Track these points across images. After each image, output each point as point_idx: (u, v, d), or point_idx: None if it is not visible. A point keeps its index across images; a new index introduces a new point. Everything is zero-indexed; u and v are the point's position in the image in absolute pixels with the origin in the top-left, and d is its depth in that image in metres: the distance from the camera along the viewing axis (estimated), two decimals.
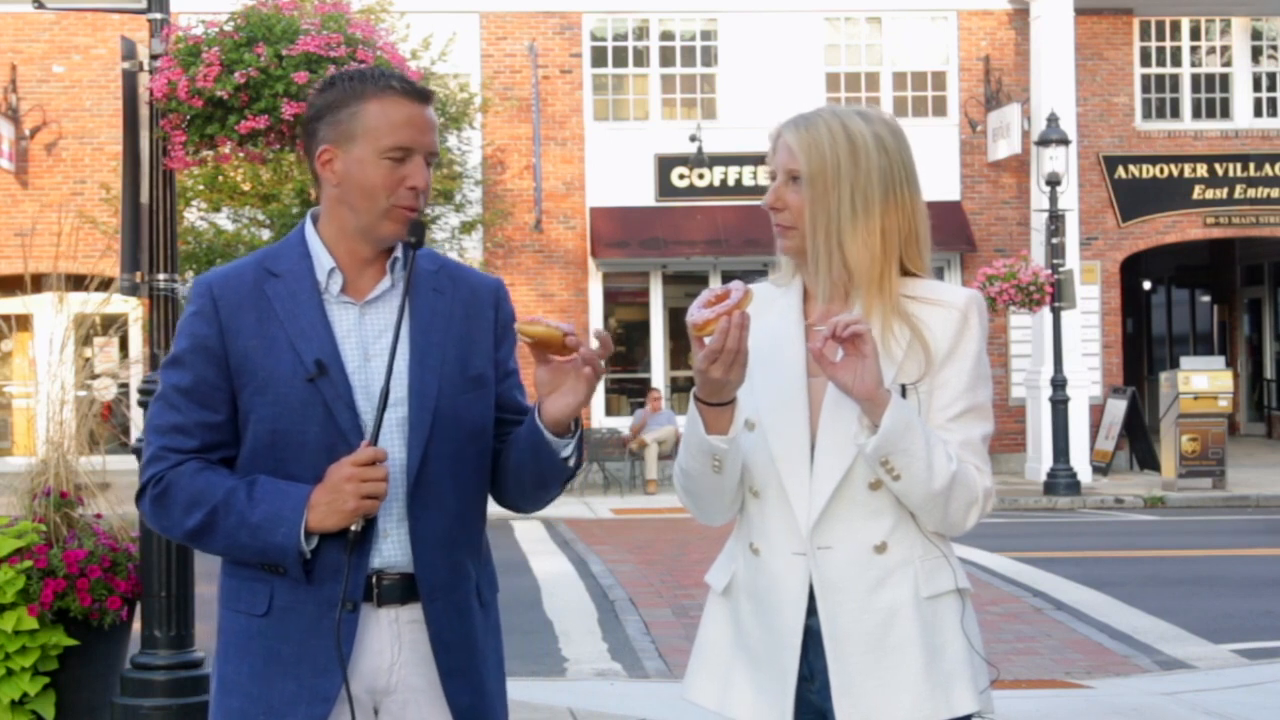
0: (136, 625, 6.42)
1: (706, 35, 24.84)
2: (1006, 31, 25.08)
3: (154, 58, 6.21)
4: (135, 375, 8.33)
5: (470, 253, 22.96)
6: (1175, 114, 25.66)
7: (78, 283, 7.20)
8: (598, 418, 23.91)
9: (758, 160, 23.45)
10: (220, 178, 20.68)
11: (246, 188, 20.85)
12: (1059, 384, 21.30)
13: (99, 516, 6.60)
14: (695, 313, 2.95)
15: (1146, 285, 32.38)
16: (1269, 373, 30.20)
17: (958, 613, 3.08)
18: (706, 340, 2.94)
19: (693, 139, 23.87)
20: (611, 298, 25.00)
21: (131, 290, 6.36)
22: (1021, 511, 20.08)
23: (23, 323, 19.83)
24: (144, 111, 6.28)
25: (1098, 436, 23.93)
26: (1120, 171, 25.20)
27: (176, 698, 6.14)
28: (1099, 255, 25.10)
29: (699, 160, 24.05)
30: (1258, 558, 14.68)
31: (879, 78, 25.04)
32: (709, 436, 3.02)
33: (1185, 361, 22.97)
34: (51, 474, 6.52)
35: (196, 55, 6.03)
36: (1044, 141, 21.65)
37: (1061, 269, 21.31)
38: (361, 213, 3.05)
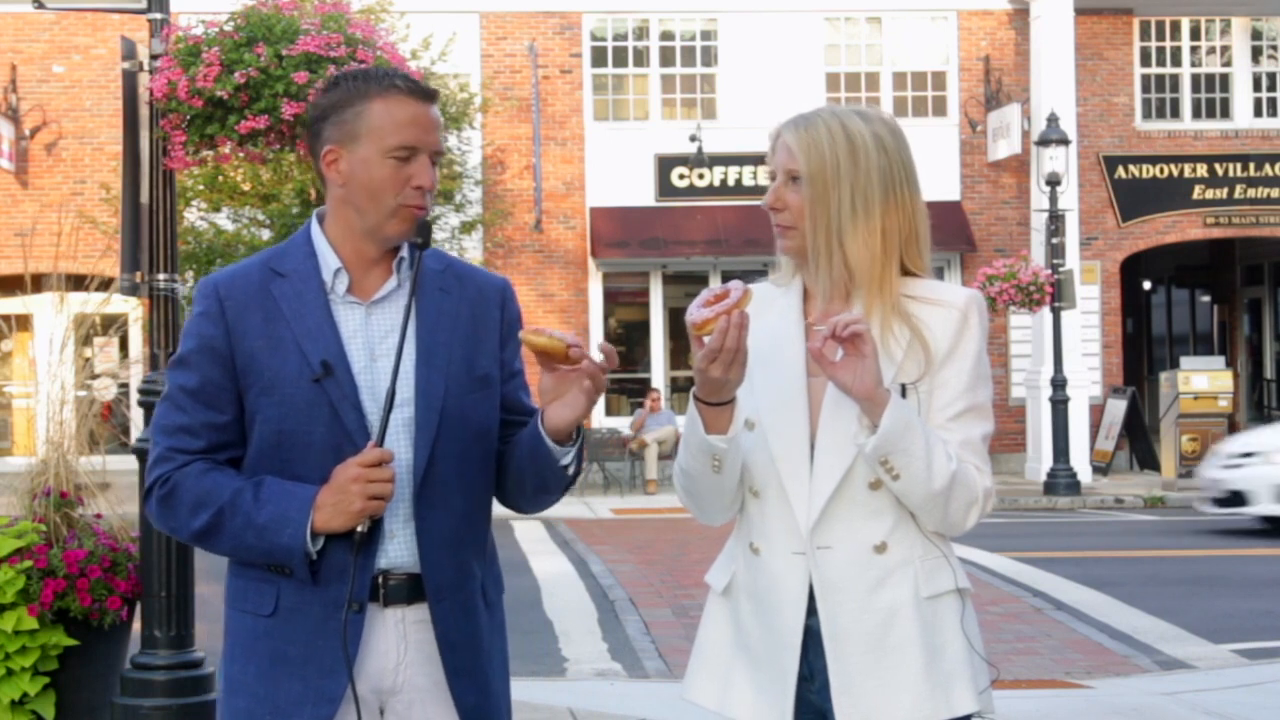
0: (136, 625, 6.41)
1: (706, 35, 24.84)
2: (1006, 31, 25.09)
3: (154, 58, 6.21)
4: (135, 375, 8.31)
5: (470, 253, 22.95)
6: (1175, 114, 25.66)
7: (78, 283, 7.19)
8: (598, 418, 23.88)
9: (758, 160, 23.44)
10: (220, 178, 20.69)
11: (246, 188, 20.86)
12: (1059, 384, 21.30)
13: (99, 516, 6.59)
14: (695, 312, 2.95)
15: (1146, 285, 32.34)
16: (1269, 373, 30.18)
17: (958, 613, 3.08)
18: (706, 340, 2.94)
19: (693, 139, 23.87)
20: (611, 298, 25.00)
21: (131, 290, 6.36)
22: (1021, 511, 20.08)
23: (23, 323, 19.81)
24: (144, 111, 6.28)
25: (1098, 436, 23.93)
26: (1120, 171, 25.20)
27: (176, 698, 6.14)
28: (1099, 255, 25.11)
29: (699, 160, 24.05)
30: (1258, 558, 14.68)
31: (879, 78, 25.04)
32: (709, 436, 3.02)
33: (1185, 361, 23.00)
34: (51, 474, 6.51)
35: (196, 55, 6.03)
36: (1044, 141, 21.66)
37: (1061, 269, 21.31)
38: (367, 212, 3.05)
